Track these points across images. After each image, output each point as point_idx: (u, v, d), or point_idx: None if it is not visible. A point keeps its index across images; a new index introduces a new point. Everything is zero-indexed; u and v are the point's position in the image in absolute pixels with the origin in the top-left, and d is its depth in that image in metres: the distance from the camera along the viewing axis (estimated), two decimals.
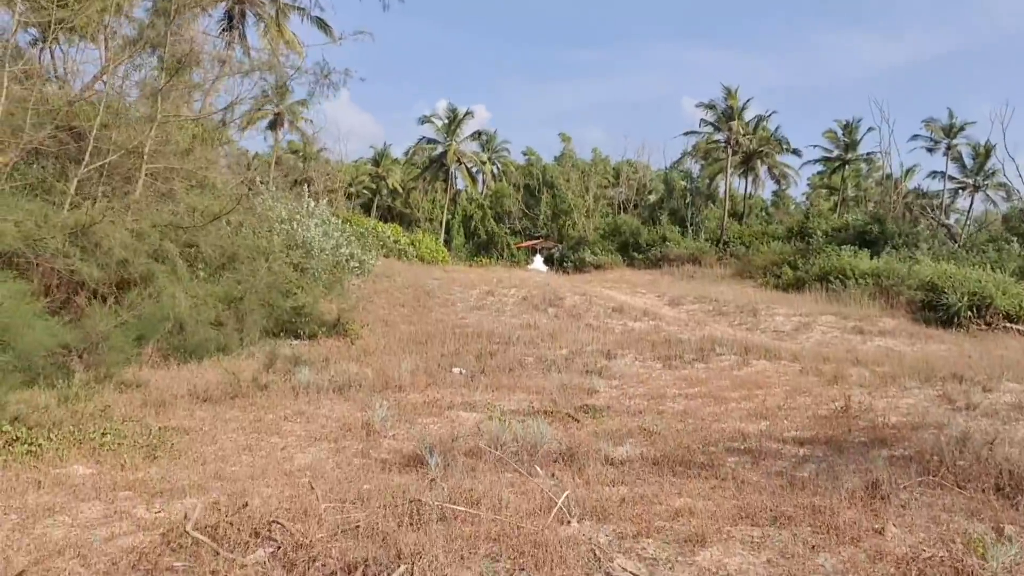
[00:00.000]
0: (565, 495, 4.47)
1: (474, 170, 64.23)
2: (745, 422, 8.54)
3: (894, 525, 4.19)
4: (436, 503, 4.33)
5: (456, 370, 12.46)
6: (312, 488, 4.97)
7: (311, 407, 9.42)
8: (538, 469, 5.78)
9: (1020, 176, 66.07)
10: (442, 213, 58.59)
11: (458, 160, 58.83)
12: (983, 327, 23.63)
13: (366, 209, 62.95)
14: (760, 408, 9.33)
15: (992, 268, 28.81)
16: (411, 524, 4.10)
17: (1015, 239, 34.03)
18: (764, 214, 58.97)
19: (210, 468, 6.31)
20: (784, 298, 30.19)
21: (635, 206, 62.44)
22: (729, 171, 49.66)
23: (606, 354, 15.04)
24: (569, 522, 4.23)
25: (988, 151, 51.91)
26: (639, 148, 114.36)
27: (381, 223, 40.51)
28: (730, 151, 48.16)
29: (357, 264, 23.94)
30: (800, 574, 3.60)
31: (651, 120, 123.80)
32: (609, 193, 63.83)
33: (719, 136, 49.17)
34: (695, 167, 59.31)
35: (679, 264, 43.60)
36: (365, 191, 64.78)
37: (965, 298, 23.85)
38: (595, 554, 3.69)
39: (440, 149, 58.79)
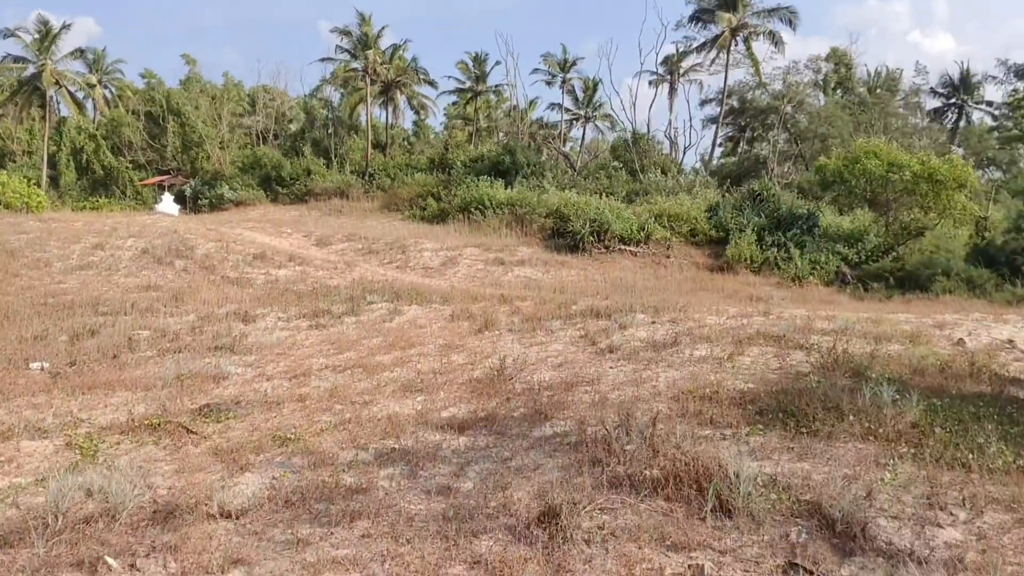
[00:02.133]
0: None
1: (80, 94, 54.34)
2: (400, 400, 7.57)
3: None
4: None
5: (35, 365, 9.60)
6: None
7: None
8: (110, 560, 4.05)
9: (624, 109, 75.38)
10: (44, 145, 48.55)
11: (57, 82, 48.86)
12: (603, 250, 26.12)
13: None
14: (415, 378, 8.45)
15: (605, 194, 32.07)
16: None
17: (622, 166, 38.33)
18: (407, 144, 59.32)
19: None
20: (430, 231, 30.41)
21: (275, 136, 58.39)
22: (369, 101, 48.49)
23: (243, 316, 13.09)
24: None
25: (595, 85, 58.16)
26: (274, 73, 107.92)
27: None
28: (368, 80, 46.87)
29: None
30: None
31: (289, 44, 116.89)
32: (246, 122, 58.81)
33: (357, 64, 47.51)
34: (335, 96, 57.16)
35: (326, 198, 41.85)
36: None
37: (587, 225, 26.02)
38: None
39: (32, 69, 48.16)
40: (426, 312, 13.73)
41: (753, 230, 26.84)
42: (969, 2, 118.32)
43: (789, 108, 44.42)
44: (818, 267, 24.43)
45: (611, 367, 8.57)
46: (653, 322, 11.25)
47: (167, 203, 42.75)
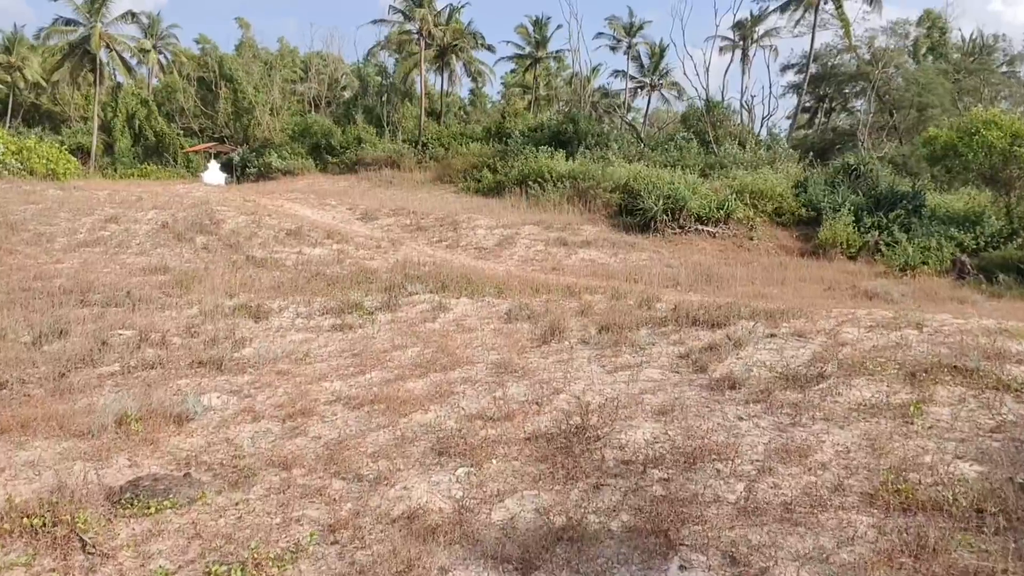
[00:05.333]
0: None
1: (132, 59, 53.29)
2: (430, 474, 5.02)
3: None
4: None
5: None
6: None
7: None
8: None
9: (697, 75, 71.05)
10: (99, 111, 47.63)
11: (108, 46, 47.61)
12: (677, 231, 23.16)
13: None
14: (455, 428, 5.89)
15: (679, 168, 28.92)
16: None
17: (694, 137, 34.95)
18: (463, 113, 56.66)
19: None
20: (485, 205, 27.86)
21: (328, 104, 56.44)
22: (424, 66, 45.84)
23: (255, 311, 10.75)
24: None
25: (663, 51, 54.32)
26: (327, 38, 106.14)
27: None
28: (423, 43, 44.20)
29: None
30: None
31: (344, 10, 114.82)
32: (299, 89, 57.01)
33: (411, 26, 44.86)
34: (390, 61, 54.74)
35: (376, 168, 39.67)
36: None
37: (660, 202, 23.08)
38: None
39: (82, 32, 46.99)
40: (477, 308, 11.18)
41: (849, 210, 23.50)
42: None
43: (882, 73, 40.09)
44: (930, 254, 21.03)
45: (741, 419, 5.86)
46: (772, 335, 8.46)
47: (213, 171, 41.13)
